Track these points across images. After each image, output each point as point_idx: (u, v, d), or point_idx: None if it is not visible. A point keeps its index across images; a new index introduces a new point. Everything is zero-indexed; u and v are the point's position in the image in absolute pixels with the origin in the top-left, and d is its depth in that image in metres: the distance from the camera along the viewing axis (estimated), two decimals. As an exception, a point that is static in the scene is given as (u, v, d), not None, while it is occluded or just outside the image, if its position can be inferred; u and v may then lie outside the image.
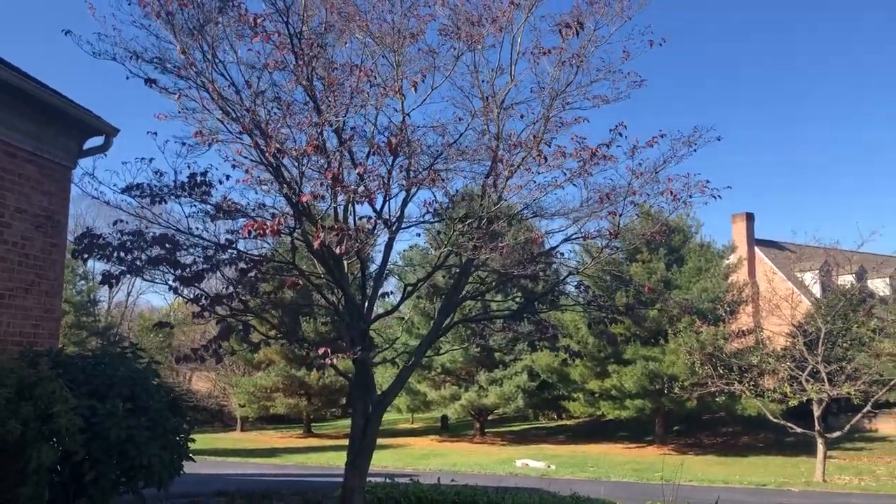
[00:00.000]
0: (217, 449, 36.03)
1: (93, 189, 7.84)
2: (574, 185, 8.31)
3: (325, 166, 6.91)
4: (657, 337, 34.84)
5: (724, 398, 28.41)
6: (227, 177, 7.99)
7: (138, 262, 7.72)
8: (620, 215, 8.33)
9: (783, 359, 23.19)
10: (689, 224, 39.73)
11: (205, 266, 8.03)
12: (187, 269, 7.80)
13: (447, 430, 46.34)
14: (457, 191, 8.70)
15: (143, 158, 7.65)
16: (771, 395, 23.18)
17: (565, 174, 8.18)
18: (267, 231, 6.43)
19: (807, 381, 21.85)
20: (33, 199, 8.81)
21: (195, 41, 7.42)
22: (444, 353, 35.22)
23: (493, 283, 10.15)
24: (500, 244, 7.78)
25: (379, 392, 9.31)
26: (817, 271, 41.23)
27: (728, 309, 31.72)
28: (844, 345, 23.47)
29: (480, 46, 8.42)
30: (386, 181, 7.28)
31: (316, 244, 6.78)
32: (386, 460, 29.35)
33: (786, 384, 22.09)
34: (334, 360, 7.02)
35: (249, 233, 6.53)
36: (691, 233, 39.69)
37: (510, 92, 8.70)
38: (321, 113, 6.75)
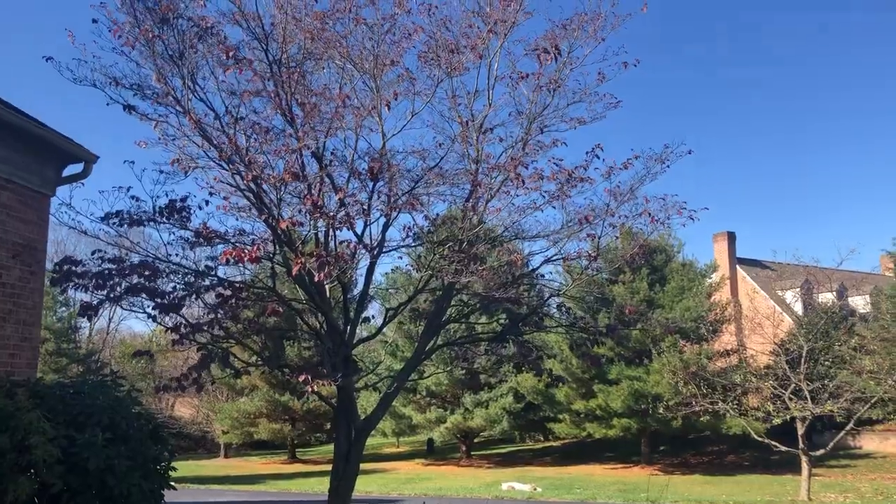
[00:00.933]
0: (200, 476, 35.65)
1: (69, 219, 7.80)
2: (553, 206, 8.37)
3: (305, 192, 6.92)
4: (641, 357, 34.92)
5: (708, 417, 28.43)
6: (207, 202, 7.98)
7: (117, 291, 7.66)
8: (600, 237, 8.38)
9: (766, 377, 23.27)
10: (671, 244, 39.98)
11: (184, 293, 7.97)
12: (167, 297, 7.75)
13: (433, 453, 46.08)
14: (437, 215, 8.73)
15: (120, 187, 7.66)
16: (755, 413, 23.22)
17: (544, 196, 8.25)
18: (245, 258, 6.42)
19: (790, 399, 21.92)
20: (9, 227, 8.73)
21: (174, 68, 7.43)
22: (428, 377, 35.07)
23: (476, 306, 10.16)
24: (481, 268, 7.80)
25: (362, 417, 9.24)
26: (798, 290, 41.55)
27: (711, 328, 31.81)
28: (826, 362, 23.60)
29: (459, 73, 8.49)
30: (366, 207, 7.29)
31: (294, 270, 6.77)
32: (371, 485, 29.15)
33: (769, 403, 22.15)
34: (315, 387, 6.98)
35: (228, 260, 6.51)
36: (673, 252, 39.91)
37: (488, 116, 8.77)
38: (300, 139, 6.76)
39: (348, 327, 8.73)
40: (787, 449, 23.12)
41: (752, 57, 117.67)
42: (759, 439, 23.34)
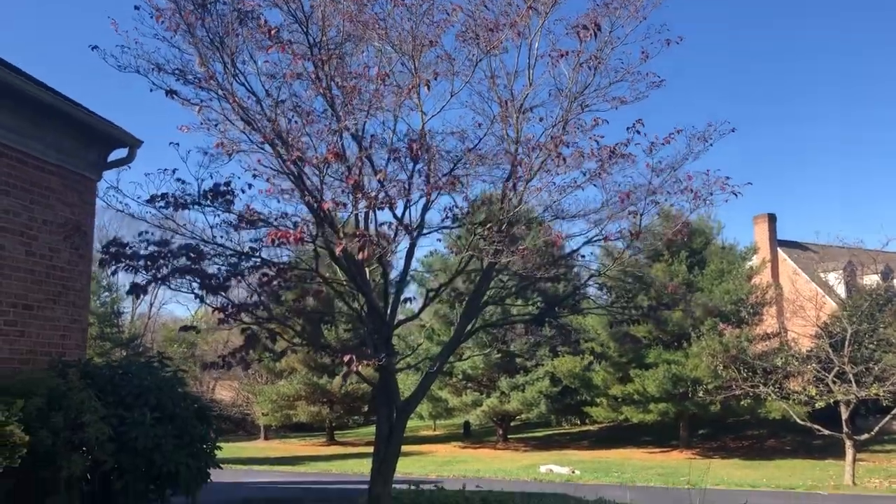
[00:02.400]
0: (242, 457, 36.16)
1: (117, 202, 7.93)
2: (594, 185, 8.30)
3: (346, 173, 6.94)
4: (680, 340, 34.60)
5: (748, 401, 28.07)
6: (250, 185, 8.06)
7: (164, 272, 7.79)
8: (641, 215, 8.29)
9: (808, 360, 22.92)
10: (710, 226, 39.46)
11: (229, 274, 8.08)
12: (212, 279, 7.85)
13: (469, 436, 46.23)
14: (476, 196, 8.70)
15: (165, 169, 7.74)
16: (797, 397, 22.88)
17: (584, 175, 8.17)
18: (290, 239, 6.48)
19: (833, 382, 21.57)
20: (59, 211, 8.94)
21: (216, 52, 7.49)
22: (465, 360, 35.14)
23: (515, 288, 10.13)
24: (521, 247, 7.76)
25: (402, 399, 9.30)
26: (841, 272, 40.78)
27: (751, 311, 31.30)
28: (871, 345, 23.16)
29: (498, 52, 8.43)
30: (406, 187, 7.29)
31: (338, 251, 6.82)
32: (410, 467, 29.35)
33: (811, 386, 21.81)
34: (359, 367, 7.04)
35: (273, 241, 6.58)
36: (713, 235, 39.39)
37: (528, 96, 8.71)
38: (340, 119, 6.77)
39: (388, 309, 8.77)
40: (830, 433, 22.79)
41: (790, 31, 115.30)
42: (802, 423, 23.02)
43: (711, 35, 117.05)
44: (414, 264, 10.14)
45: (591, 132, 8.25)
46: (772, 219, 50.43)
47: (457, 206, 8.26)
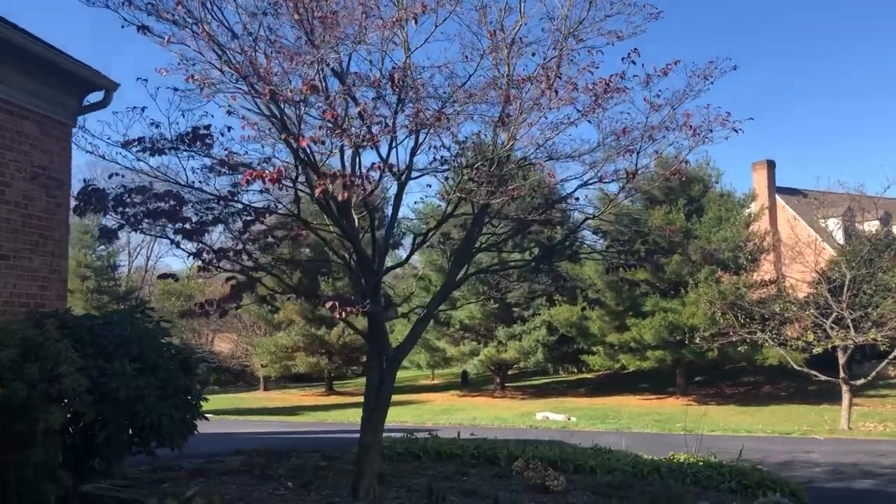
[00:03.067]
0: (240, 408, 36.40)
1: (86, 143, 7.59)
2: (589, 121, 7.92)
3: (325, 109, 6.60)
4: (677, 288, 34.60)
5: (745, 348, 28.11)
6: (229, 128, 7.71)
7: (137, 216, 7.48)
8: (638, 153, 7.96)
9: (806, 306, 22.83)
10: (708, 173, 39.23)
11: (206, 219, 7.78)
12: (186, 222, 7.55)
13: (467, 385, 46.54)
14: (466, 137, 8.36)
15: (134, 107, 7.36)
16: (794, 343, 22.83)
17: (578, 111, 7.82)
18: (266, 180, 6.16)
19: (831, 328, 21.50)
20: (33, 157, 8.61)
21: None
22: (460, 308, 35.08)
23: (508, 234, 9.83)
24: (511, 187, 7.45)
25: (392, 347, 9.09)
26: (840, 217, 40.57)
27: (749, 257, 31.15)
28: (870, 291, 23.04)
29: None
30: (391, 123, 6.95)
31: (317, 192, 6.51)
32: (406, 416, 29.50)
33: (809, 332, 21.76)
34: (342, 314, 6.80)
35: (248, 182, 6.27)
36: (711, 182, 39.19)
37: (520, 30, 8.30)
38: (318, 48, 6.39)
39: (375, 256, 8.51)
40: (826, 378, 22.79)
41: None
42: (799, 369, 23.04)
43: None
44: (405, 211, 9.77)
45: (586, 69, 7.88)
46: (770, 165, 50.09)
47: (444, 146, 7.94)
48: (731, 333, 23.32)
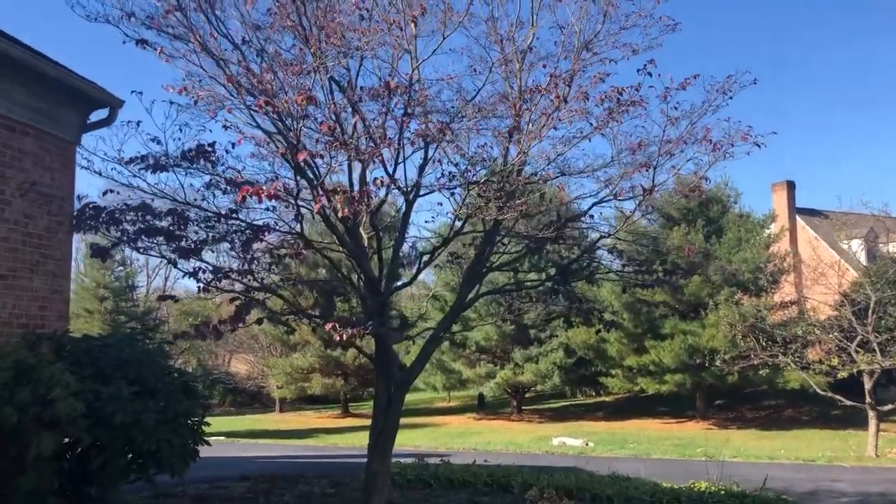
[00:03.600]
0: (254, 430, 36.15)
1: (84, 160, 7.41)
2: (602, 135, 7.63)
3: (323, 121, 6.37)
4: (696, 310, 34.10)
5: (767, 371, 27.50)
6: (233, 145, 7.50)
7: (132, 234, 7.24)
8: (655, 168, 7.64)
9: (830, 329, 22.25)
10: (727, 194, 38.76)
11: (205, 237, 7.53)
12: (182, 239, 7.30)
13: (484, 408, 46.05)
14: (474, 153, 8.09)
15: (129, 122, 7.16)
16: (818, 367, 22.24)
17: (591, 124, 7.53)
18: (263, 195, 5.92)
19: (856, 351, 20.92)
20: (35, 175, 8.44)
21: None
22: (474, 328, 34.70)
23: (521, 253, 9.51)
24: (520, 201, 7.15)
25: (401, 370, 8.80)
26: (863, 239, 39.92)
27: (770, 279, 30.60)
28: (895, 314, 22.44)
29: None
30: (396, 135, 6.69)
31: (315, 208, 6.26)
32: (420, 439, 29.09)
33: (834, 356, 21.17)
34: (343, 337, 6.52)
35: (244, 199, 6.02)
36: (730, 203, 38.71)
37: (532, 43, 8.05)
38: (315, 56, 6.16)
39: (382, 276, 8.24)
40: (852, 404, 22.15)
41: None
42: (823, 393, 22.42)
43: None
44: (417, 230, 9.46)
45: (599, 77, 7.59)
46: (790, 186, 49.52)
47: (452, 163, 7.67)
48: (752, 356, 22.77)
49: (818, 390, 22.62)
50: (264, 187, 6.05)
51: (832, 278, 24.90)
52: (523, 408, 42.76)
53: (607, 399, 46.29)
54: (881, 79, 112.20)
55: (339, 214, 6.20)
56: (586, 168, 7.92)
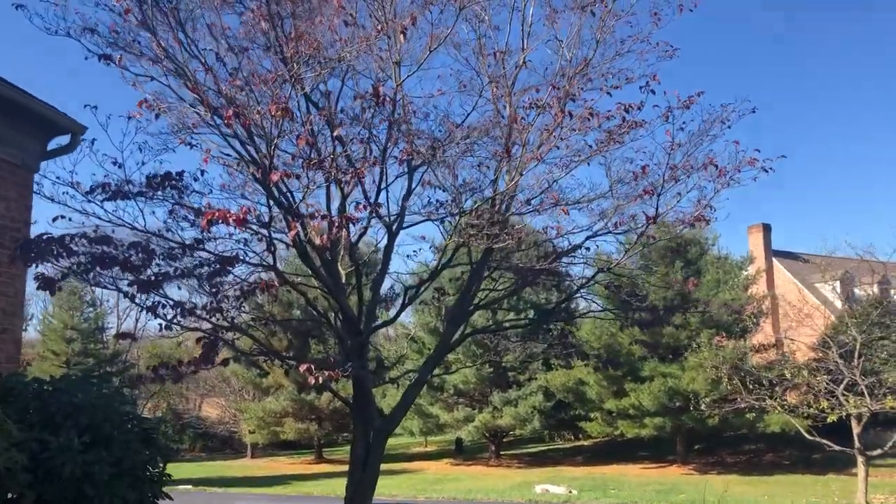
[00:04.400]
0: (224, 477, 35.01)
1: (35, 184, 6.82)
2: (601, 161, 7.17)
3: (300, 134, 5.86)
4: (676, 353, 33.78)
5: (752, 414, 27.10)
6: (202, 172, 6.96)
7: (83, 265, 6.63)
8: (659, 195, 7.20)
9: (818, 371, 21.85)
10: (705, 236, 38.76)
11: (167, 269, 6.93)
12: (139, 270, 6.69)
13: (462, 452, 45.15)
14: (464, 179, 7.62)
15: (85, 139, 6.61)
16: (805, 410, 21.80)
17: (590, 146, 7.08)
18: (230, 220, 5.37)
19: (843, 395, 20.52)
20: (-14, 205, 7.84)
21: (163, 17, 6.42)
22: (454, 372, 34.21)
23: (509, 289, 9.02)
24: (518, 229, 6.67)
25: (381, 417, 8.18)
26: (838, 282, 39.99)
27: (753, 321, 30.39)
28: (882, 356, 22.13)
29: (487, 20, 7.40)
30: (379, 154, 6.20)
31: (290, 236, 5.73)
32: (397, 487, 28.23)
33: (823, 399, 20.74)
34: (318, 380, 5.94)
35: (208, 224, 5.47)
36: (708, 245, 38.70)
37: (522, 69, 7.67)
38: (290, 65, 5.63)
39: (362, 313, 7.67)
40: (841, 449, 21.67)
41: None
42: (811, 438, 21.90)
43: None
44: (397, 265, 8.98)
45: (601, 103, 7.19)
46: (766, 228, 49.86)
47: (442, 188, 7.17)
48: (739, 400, 22.29)
49: (806, 435, 22.13)
50: (230, 212, 5.49)
51: (818, 319, 24.66)
52: (502, 452, 41.96)
53: (586, 443, 45.63)
54: (844, 118, 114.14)
55: (317, 242, 5.66)
56: (582, 199, 7.47)
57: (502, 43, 7.94)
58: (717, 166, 7.10)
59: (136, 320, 75.80)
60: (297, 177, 6.13)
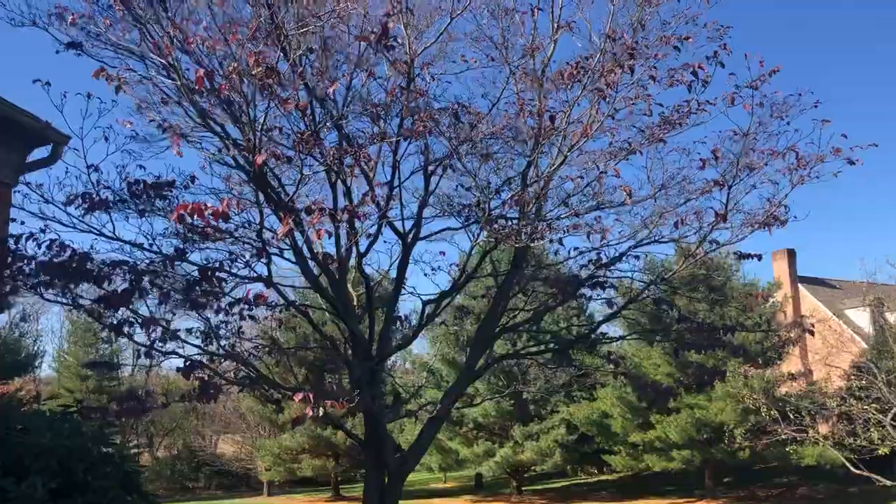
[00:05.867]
0: (238, 517, 34.01)
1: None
2: (656, 149, 6.22)
3: (287, 98, 4.99)
4: (702, 383, 32.64)
5: (794, 446, 25.89)
6: (192, 179, 6.15)
7: (33, 274, 5.79)
8: (731, 185, 6.26)
9: (860, 400, 20.65)
10: (729, 263, 37.73)
11: (135, 282, 6.03)
12: (100, 279, 5.82)
13: (482, 488, 43.93)
14: (488, 182, 6.75)
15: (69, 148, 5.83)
16: (851, 442, 20.58)
17: (642, 131, 6.16)
18: (206, 212, 4.48)
19: (892, 424, 19.32)
20: (-44, 222, 7.07)
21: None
22: (477, 405, 33.24)
23: (543, 307, 8.06)
24: (563, 218, 5.77)
25: (397, 457, 7.24)
26: (868, 307, 38.82)
27: (784, 349, 29.32)
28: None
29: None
30: (383, 124, 5.32)
31: (281, 232, 4.85)
32: (418, 527, 27.13)
33: (873, 429, 19.53)
34: (316, 411, 5.04)
35: (181, 217, 4.60)
36: (731, 271, 37.68)
37: (552, 56, 6.82)
38: (277, 25, 4.77)
39: (373, 336, 6.78)
40: (892, 483, 20.35)
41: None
42: (858, 472, 20.65)
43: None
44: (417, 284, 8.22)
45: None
46: (791, 254, 48.73)
47: (470, 174, 6.27)
48: (778, 431, 21.11)
49: (851, 468, 20.88)
50: (209, 204, 4.62)
51: (853, 346, 23.57)
52: (524, 488, 40.71)
53: (610, 478, 44.33)
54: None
55: (314, 239, 4.79)
56: (627, 201, 6.51)
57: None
58: (797, 153, 6.13)
59: (152, 356, 75.49)
60: (289, 160, 5.27)
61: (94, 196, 6.05)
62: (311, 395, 5.06)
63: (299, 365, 39.39)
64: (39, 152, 7.85)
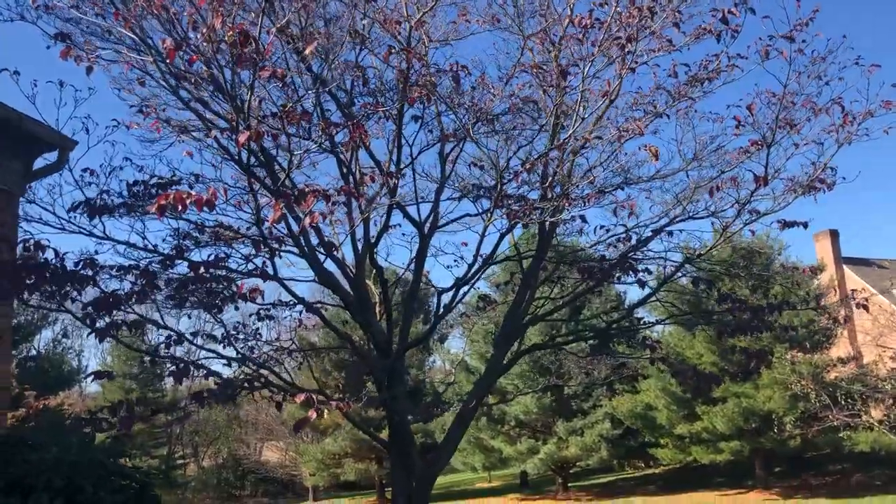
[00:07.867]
0: (283, 524, 33.99)
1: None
2: (686, 115, 5.75)
3: (265, 65, 4.60)
4: (748, 371, 31.77)
5: (848, 432, 25.08)
6: (197, 177, 5.85)
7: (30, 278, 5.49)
8: (770, 145, 5.76)
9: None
10: (770, 246, 36.80)
11: (134, 284, 5.74)
12: (79, 280, 5.53)
13: (527, 487, 43.42)
14: (507, 161, 6.32)
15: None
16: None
17: (669, 92, 5.70)
18: (188, 201, 4.11)
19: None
20: (-40, 233, 6.87)
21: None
22: (511, 400, 32.73)
23: (573, 293, 7.59)
24: (588, 192, 5.33)
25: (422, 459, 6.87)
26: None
27: (833, 330, 28.44)
28: None
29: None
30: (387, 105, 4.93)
31: (274, 216, 4.44)
32: (463, 528, 26.78)
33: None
34: (318, 413, 4.68)
35: (161, 210, 4.24)
36: (774, 255, 36.72)
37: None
38: None
39: (393, 331, 6.41)
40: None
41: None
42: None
43: None
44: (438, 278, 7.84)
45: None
46: (834, 234, 47.41)
47: (477, 165, 5.91)
48: (830, 417, 20.37)
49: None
50: (193, 192, 4.26)
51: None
52: (569, 484, 40.13)
53: (657, 471, 43.55)
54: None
55: (306, 223, 4.39)
56: (656, 174, 6.06)
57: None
58: (843, 108, 5.56)
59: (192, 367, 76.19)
60: (275, 136, 4.90)
61: (94, 202, 5.79)
62: (313, 396, 4.72)
63: (338, 369, 39.28)
64: (46, 158, 7.69)
